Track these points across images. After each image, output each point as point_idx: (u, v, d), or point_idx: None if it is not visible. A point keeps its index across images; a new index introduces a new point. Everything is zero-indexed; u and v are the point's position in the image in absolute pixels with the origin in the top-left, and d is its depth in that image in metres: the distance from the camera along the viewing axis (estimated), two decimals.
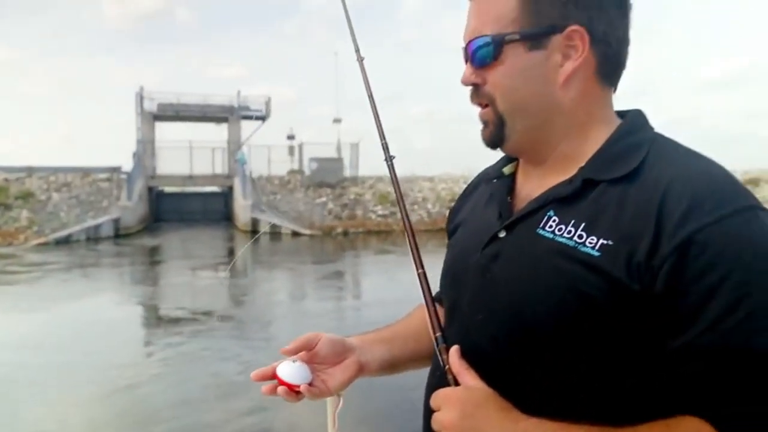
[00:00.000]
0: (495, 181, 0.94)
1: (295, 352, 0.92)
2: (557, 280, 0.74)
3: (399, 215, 0.98)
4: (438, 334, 0.80)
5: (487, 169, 1.01)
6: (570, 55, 0.79)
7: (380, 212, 21.99)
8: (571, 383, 0.73)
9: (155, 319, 8.52)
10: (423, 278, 0.85)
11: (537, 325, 0.75)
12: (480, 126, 0.88)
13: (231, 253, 17.08)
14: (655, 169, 0.73)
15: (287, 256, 15.88)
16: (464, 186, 1.12)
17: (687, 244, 0.65)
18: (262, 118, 29.02)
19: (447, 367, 0.76)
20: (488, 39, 0.80)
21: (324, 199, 22.75)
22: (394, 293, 7.74)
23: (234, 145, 26.73)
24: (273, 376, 0.91)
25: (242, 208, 21.23)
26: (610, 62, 0.81)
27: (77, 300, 9.63)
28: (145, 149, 25.20)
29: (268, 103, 28.85)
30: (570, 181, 0.79)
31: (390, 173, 0.98)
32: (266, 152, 26.54)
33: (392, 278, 10.98)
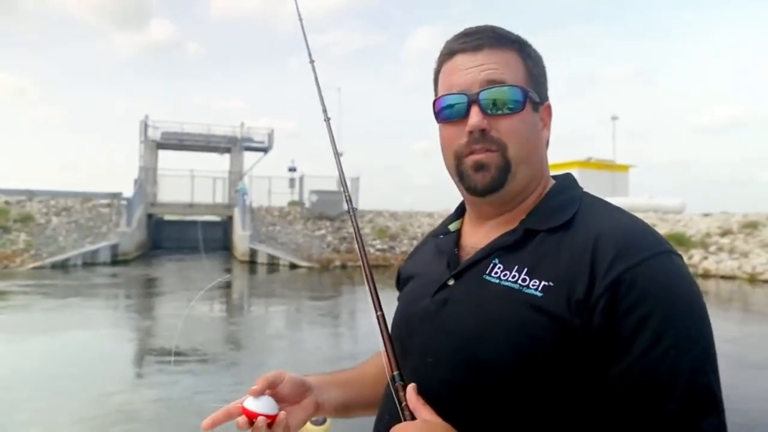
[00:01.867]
0: (442, 237, 1.02)
1: (262, 391, 0.92)
2: (505, 320, 0.80)
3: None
4: (396, 372, 0.82)
5: (432, 232, 1.11)
6: (546, 123, 0.94)
7: (378, 246, 21.97)
8: (521, 416, 0.78)
9: (144, 353, 8.42)
10: (382, 320, 0.88)
11: (487, 364, 0.80)
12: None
13: (228, 284, 16.99)
14: (586, 221, 0.84)
15: (284, 287, 15.79)
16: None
17: (617, 283, 0.74)
18: (264, 150, 29.31)
19: (404, 404, 0.79)
20: (518, 89, 0.87)
21: (323, 231, 22.77)
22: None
23: (235, 176, 26.91)
24: (243, 412, 0.88)
25: (241, 238, 21.23)
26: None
27: (63, 329, 9.53)
28: (147, 176, 25.33)
29: (270, 135, 29.18)
30: (513, 231, 0.88)
31: (351, 221, 1.05)
32: (267, 183, 26.72)
33: (389, 314, 10.86)
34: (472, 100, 0.87)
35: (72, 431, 4.82)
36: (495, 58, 0.88)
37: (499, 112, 0.86)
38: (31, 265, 17.34)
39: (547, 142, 0.95)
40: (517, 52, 0.89)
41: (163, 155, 28.26)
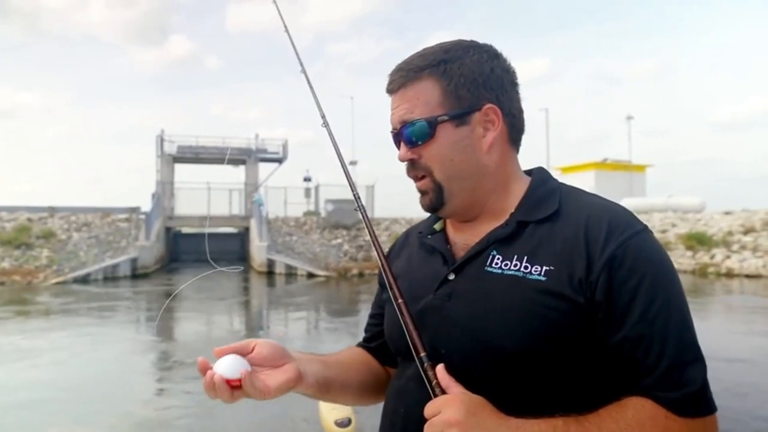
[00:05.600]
0: (429, 236, 1.07)
1: (226, 352, 0.91)
2: (515, 307, 0.87)
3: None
4: (423, 353, 0.86)
5: (410, 230, 1.18)
6: (489, 127, 0.96)
7: None
8: (538, 391, 0.86)
9: (167, 364, 8.50)
10: (404, 306, 0.91)
11: (501, 349, 0.87)
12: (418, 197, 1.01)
13: (246, 291, 17.10)
14: (571, 209, 0.92)
15: (302, 297, 15.84)
16: None
17: (612, 259, 0.84)
18: (279, 161, 29.52)
19: (435, 381, 0.84)
20: (423, 122, 0.95)
21: (339, 240, 22.83)
22: None
23: (251, 187, 27.12)
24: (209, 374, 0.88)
25: (258, 249, 21.36)
26: (516, 129, 1.00)
27: (88, 343, 9.66)
28: (164, 190, 25.66)
29: (285, 146, 29.41)
30: (506, 224, 0.95)
31: (362, 216, 1.08)
32: (283, 194, 26.90)
33: None
34: (398, 139, 0.99)
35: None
36: (406, 96, 0.96)
37: (419, 143, 0.96)
38: (54, 281, 17.62)
39: (514, 137, 0.99)
40: (429, 77, 0.95)
41: (180, 169, 28.64)
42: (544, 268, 0.87)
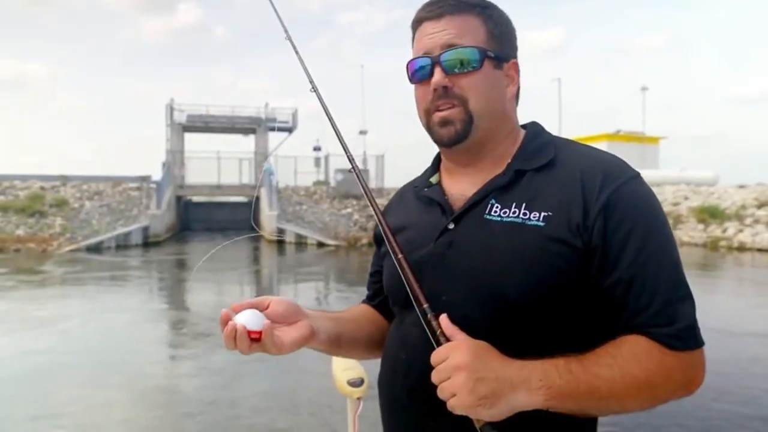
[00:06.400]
0: (426, 189, 1.09)
1: (245, 307, 0.94)
2: (516, 252, 0.90)
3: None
4: (425, 305, 0.88)
5: (404, 187, 1.20)
6: (512, 80, 1.02)
7: None
8: (538, 335, 0.90)
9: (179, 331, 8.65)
10: (404, 261, 0.93)
11: (503, 294, 0.90)
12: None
13: (257, 261, 17.28)
14: (567, 158, 0.96)
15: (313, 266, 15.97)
16: None
17: (607, 204, 0.88)
18: (289, 130, 29.41)
19: (439, 331, 0.86)
20: (475, 49, 0.97)
21: (349, 210, 22.88)
22: None
23: (261, 156, 27.12)
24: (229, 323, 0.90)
25: (269, 218, 21.48)
26: (518, 89, 1.05)
27: (102, 309, 9.83)
28: (174, 159, 25.70)
29: (294, 115, 29.25)
30: (503, 173, 0.98)
31: (357, 176, 1.09)
32: (293, 163, 26.89)
33: None
34: (435, 62, 0.97)
35: (110, 408, 5.01)
36: (454, 23, 0.97)
37: (459, 70, 0.96)
38: (68, 248, 17.88)
39: (518, 95, 1.05)
40: (477, 16, 0.99)
41: (190, 138, 28.63)
42: (543, 214, 0.90)
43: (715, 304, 9.56)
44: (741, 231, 18.74)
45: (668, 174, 25.96)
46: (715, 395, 4.84)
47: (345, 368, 1.61)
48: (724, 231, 19.13)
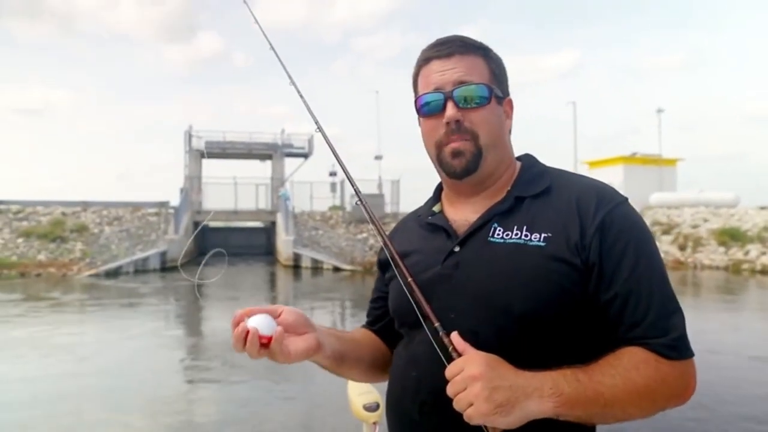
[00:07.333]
0: (430, 218, 1.15)
1: (258, 312, 0.96)
2: (519, 271, 0.96)
3: None
4: (437, 323, 0.93)
5: (407, 218, 1.28)
6: (508, 115, 1.12)
7: None
8: (542, 348, 0.95)
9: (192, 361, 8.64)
10: (414, 284, 0.99)
11: (507, 310, 0.95)
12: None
13: (273, 286, 17.29)
14: (561, 185, 1.05)
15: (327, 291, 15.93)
16: None
17: (602, 224, 0.96)
18: (305, 155, 29.71)
19: (451, 347, 0.90)
20: (484, 86, 1.05)
21: (365, 234, 22.89)
22: None
23: (277, 182, 27.38)
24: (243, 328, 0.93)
25: (284, 243, 21.56)
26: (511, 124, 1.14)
27: (119, 337, 9.88)
28: (192, 185, 26.04)
29: (310, 141, 29.56)
30: (504, 200, 1.05)
31: (364, 209, 1.16)
32: (308, 188, 27.05)
33: None
34: (448, 97, 1.04)
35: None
36: (464, 62, 1.05)
37: (470, 105, 1.04)
38: (87, 273, 18.08)
39: (510, 130, 1.13)
40: (481, 57, 1.07)
41: (207, 164, 29.05)
42: (543, 235, 0.98)
43: (747, 330, 9.33)
44: (764, 253, 18.38)
45: (687, 196, 25.60)
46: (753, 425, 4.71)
47: (360, 392, 1.59)
48: (746, 254, 18.79)
